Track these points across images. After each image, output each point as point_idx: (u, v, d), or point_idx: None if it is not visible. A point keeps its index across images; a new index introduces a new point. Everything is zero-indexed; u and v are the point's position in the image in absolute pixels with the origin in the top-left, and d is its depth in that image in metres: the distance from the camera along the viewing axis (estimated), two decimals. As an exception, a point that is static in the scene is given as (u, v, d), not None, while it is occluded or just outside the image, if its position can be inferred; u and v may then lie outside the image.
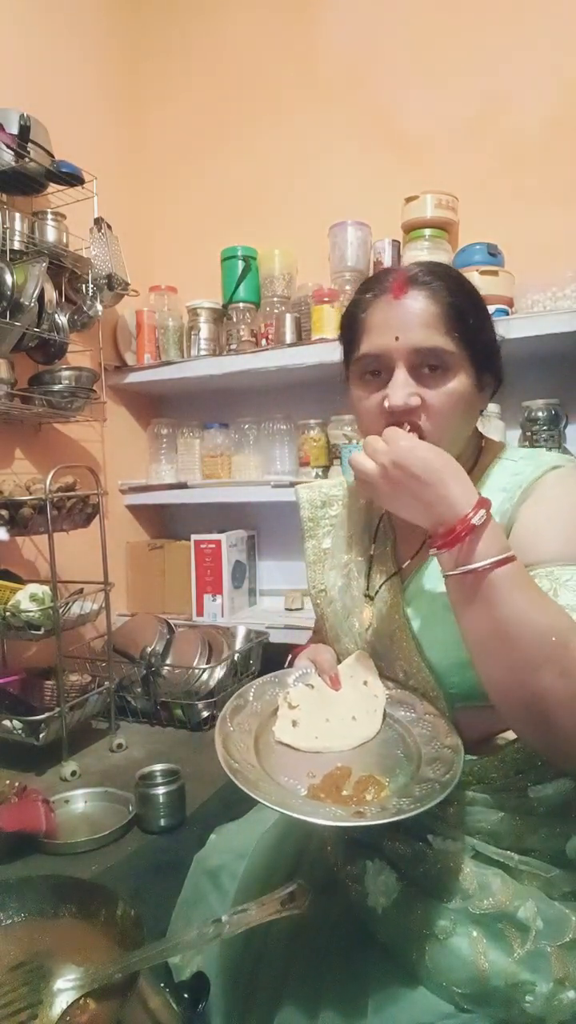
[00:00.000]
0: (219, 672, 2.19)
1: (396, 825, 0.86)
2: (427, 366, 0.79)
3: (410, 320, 0.79)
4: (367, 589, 0.93)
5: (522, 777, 0.81)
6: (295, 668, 0.94)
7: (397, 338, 0.79)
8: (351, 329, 0.86)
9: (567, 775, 0.82)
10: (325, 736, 0.82)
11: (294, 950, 0.83)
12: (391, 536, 0.96)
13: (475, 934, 0.75)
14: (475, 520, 0.68)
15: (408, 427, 0.79)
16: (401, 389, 0.79)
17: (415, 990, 0.75)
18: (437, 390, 0.79)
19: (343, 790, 0.73)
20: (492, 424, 2.06)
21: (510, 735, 0.80)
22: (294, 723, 0.83)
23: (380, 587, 0.91)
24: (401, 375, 0.79)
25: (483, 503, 0.70)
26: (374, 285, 0.84)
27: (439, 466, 0.71)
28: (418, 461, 0.70)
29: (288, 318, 2.32)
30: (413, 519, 0.74)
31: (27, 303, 1.88)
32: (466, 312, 0.80)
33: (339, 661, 0.93)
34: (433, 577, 0.86)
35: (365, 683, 0.87)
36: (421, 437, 0.80)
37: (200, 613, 2.49)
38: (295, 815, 0.67)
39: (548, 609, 0.69)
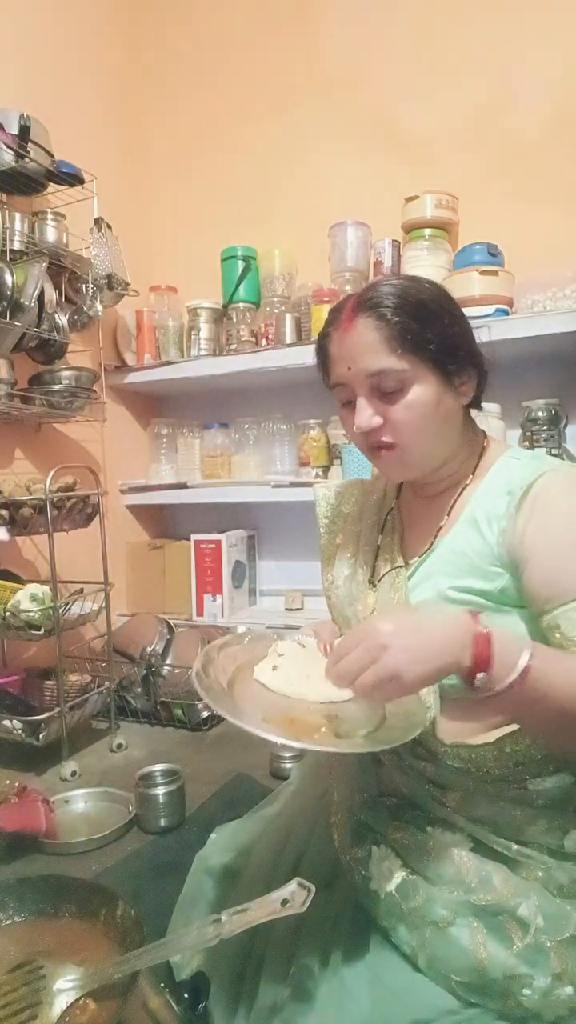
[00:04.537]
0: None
1: (398, 815, 0.87)
2: (384, 386, 0.84)
3: (357, 350, 0.85)
4: (371, 577, 0.96)
5: (521, 769, 0.82)
6: (297, 632, 0.98)
7: (349, 368, 0.86)
8: (321, 360, 0.93)
9: (566, 770, 0.82)
10: (300, 686, 0.84)
11: (295, 949, 0.83)
12: (399, 528, 0.98)
13: (475, 924, 0.76)
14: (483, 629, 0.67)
15: (380, 446, 0.87)
16: (362, 413, 0.85)
17: (416, 986, 0.76)
18: (396, 405, 0.84)
19: (294, 726, 0.76)
20: (492, 424, 2.05)
21: (508, 728, 0.81)
22: (275, 668, 0.87)
23: (384, 575, 0.93)
24: (361, 401, 0.86)
25: (476, 622, 0.68)
26: (333, 318, 0.90)
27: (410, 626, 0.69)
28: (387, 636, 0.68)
29: (288, 318, 2.32)
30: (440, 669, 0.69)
31: (27, 303, 1.88)
32: (409, 328, 0.82)
33: None
34: (438, 567, 0.88)
35: None
36: (390, 450, 0.86)
37: (200, 613, 2.49)
38: (238, 722, 0.71)
39: None
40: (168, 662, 2.22)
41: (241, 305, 2.45)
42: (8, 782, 1.58)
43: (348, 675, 0.69)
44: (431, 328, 0.83)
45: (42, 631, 1.77)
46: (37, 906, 0.73)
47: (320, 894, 0.65)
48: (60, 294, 2.14)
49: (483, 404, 0.94)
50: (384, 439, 0.86)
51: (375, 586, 0.95)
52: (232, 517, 2.63)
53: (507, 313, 2.03)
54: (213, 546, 2.47)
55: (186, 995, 0.66)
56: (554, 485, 0.81)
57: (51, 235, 2.10)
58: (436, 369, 0.84)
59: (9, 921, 0.73)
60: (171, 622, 2.38)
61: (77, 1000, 0.62)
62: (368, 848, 0.86)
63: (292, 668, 0.87)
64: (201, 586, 2.49)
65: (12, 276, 1.88)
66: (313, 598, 2.49)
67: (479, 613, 0.70)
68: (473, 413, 0.94)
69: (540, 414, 2.05)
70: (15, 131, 1.88)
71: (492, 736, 0.81)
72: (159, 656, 2.23)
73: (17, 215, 1.99)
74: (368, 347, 0.83)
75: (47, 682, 2.01)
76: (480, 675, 0.66)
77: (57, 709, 1.79)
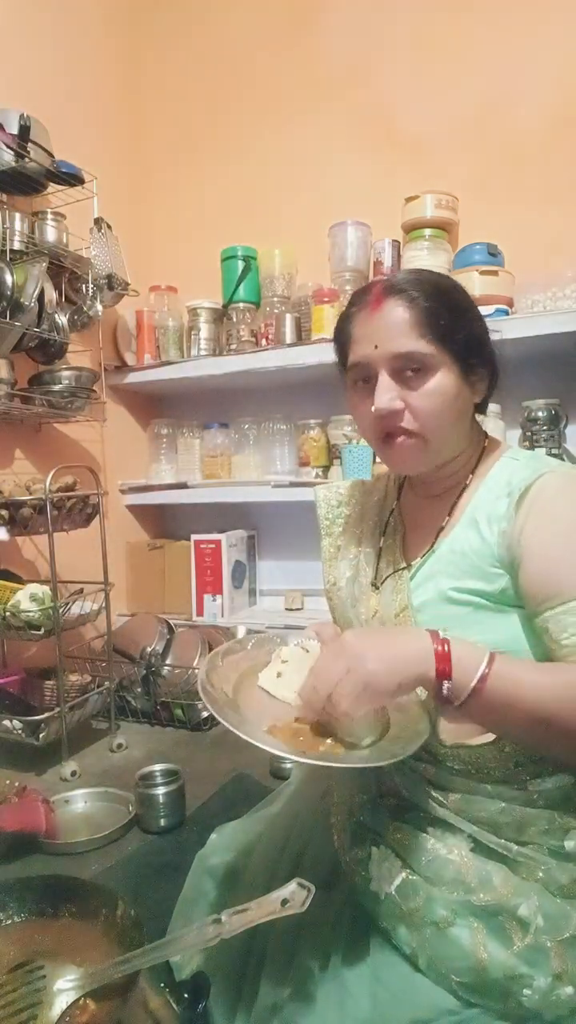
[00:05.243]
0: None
1: (398, 816, 0.87)
2: (408, 370, 0.83)
3: (387, 329, 0.83)
4: (374, 579, 0.96)
5: (521, 770, 0.82)
6: (301, 634, 0.98)
7: (376, 347, 0.84)
8: (341, 341, 0.91)
9: (566, 770, 0.82)
10: None
11: (295, 949, 0.83)
12: (401, 530, 0.99)
13: (476, 925, 0.76)
14: (444, 647, 0.72)
15: (394, 432, 0.86)
16: (384, 394, 0.84)
17: (416, 987, 0.76)
18: (419, 391, 0.83)
19: (300, 737, 0.76)
20: (492, 424, 2.06)
21: None
22: (279, 674, 0.87)
23: (386, 577, 0.93)
24: (384, 381, 0.84)
25: (435, 637, 0.73)
26: (358, 299, 0.89)
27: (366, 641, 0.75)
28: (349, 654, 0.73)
29: (288, 318, 2.32)
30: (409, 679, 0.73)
31: (27, 303, 1.88)
32: (440, 314, 0.83)
33: None
34: (439, 568, 0.88)
35: None
36: (409, 437, 0.85)
37: (200, 613, 2.49)
38: (244, 736, 0.72)
39: (547, 669, 0.75)
40: (168, 662, 2.22)
41: (241, 305, 2.45)
42: (8, 782, 1.58)
43: (326, 684, 0.72)
44: (458, 319, 0.84)
45: (42, 631, 1.77)
46: (37, 906, 0.73)
47: (320, 894, 0.65)
48: (60, 294, 2.14)
49: (483, 405, 0.94)
50: (402, 426, 0.85)
51: (378, 588, 0.94)
52: (232, 517, 2.63)
53: (507, 313, 2.03)
54: (213, 546, 2.47)
55: (186, 995, 0.66)
56: (552, 486, 0.81)
57: (51, 235, 2.10)
58: (458, 361, 0.84)
59: (9, 921, 0.73)
60: (171, 622, 2.39)
61: (77, 1000, 0.62)
62: (368, 849, 0.86)
63: (296, 674, 0.86)
64: (201, 586, 2.49)
65: (12, 276, 1.88)
66: (313, 598, 2.49)
67: (438, 631, 0.74)
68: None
69: (540, 414, 2.05)
70: (15, 131, 1.88)
71: (492, 736, 0.81)
72: (159, 656, 2.23)
73: (17, 215, 1.99)
74: (397, 327, 0.82)
75: (47, 682, 2.01)
76: (445, 683, 0.71)
77: (57, 709, 1.79)
